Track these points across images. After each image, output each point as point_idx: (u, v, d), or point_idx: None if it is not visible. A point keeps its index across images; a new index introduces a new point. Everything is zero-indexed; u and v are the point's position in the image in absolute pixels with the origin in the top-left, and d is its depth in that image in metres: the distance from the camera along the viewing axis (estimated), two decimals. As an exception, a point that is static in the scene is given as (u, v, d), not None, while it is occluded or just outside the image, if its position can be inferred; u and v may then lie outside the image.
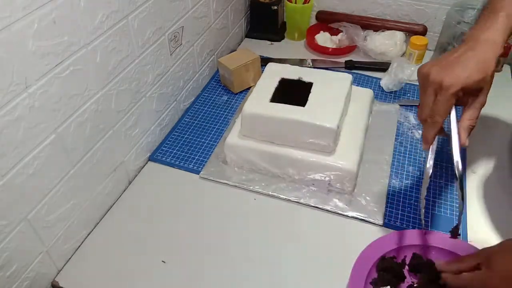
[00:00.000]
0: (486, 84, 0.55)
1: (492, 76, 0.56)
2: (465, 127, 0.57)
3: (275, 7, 1.13)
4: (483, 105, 0.57)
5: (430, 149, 0.59)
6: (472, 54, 0.55)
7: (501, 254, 0.52)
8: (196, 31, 0.91)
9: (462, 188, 0.58)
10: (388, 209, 0.72)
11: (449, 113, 0.56)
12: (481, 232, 0.68)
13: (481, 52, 0.55)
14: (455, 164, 0.57)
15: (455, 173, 0.57)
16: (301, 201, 0.73)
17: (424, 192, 0.61)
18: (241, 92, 0.99)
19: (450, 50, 0.58)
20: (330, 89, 0.77)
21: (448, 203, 0.73)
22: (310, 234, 0.69)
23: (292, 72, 0.80)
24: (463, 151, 0.82)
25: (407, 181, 0.77)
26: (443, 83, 0.54)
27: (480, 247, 0.62)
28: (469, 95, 0.56)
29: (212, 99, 0.98)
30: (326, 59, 1.09)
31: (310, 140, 0.72)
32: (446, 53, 0.58)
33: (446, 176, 0.77)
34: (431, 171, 0.59)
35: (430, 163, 0.60)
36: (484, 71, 0.54)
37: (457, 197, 0.74)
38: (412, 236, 0.64)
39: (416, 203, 0.73)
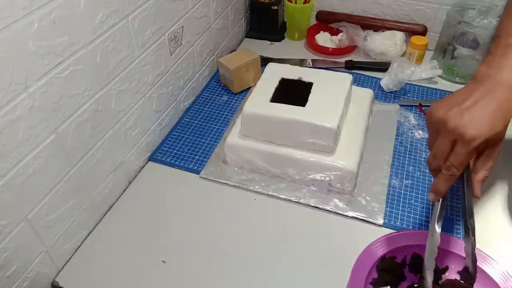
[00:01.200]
0: (503, 135, 0.50)
1: (507, 126, 0.50)
2: (479, 179, 0.52)
3: (275, 7, 1.13)
4: (499, 152, 0.51)
5: (440, 202, 0.53)
6: (494, 99, 0.48)
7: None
8: (196, 31, 0.91)
9: (474, 242, 0.53)
10: (388, 209, 0.72)
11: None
12: (481, 232, 0.68)
13: (501, 97, 0.48)
14: (467, 217, 0.52)
15: (468, 226, 0.52)
16: (301, 201, 0.73)
17: (431, 264, 0.53)
18: (241, 92, 0.99)
19: (462, 89, 0.52)
20: (330, 89, 0.77)
21: (449, 203, 0.73)
22: (310, 234, 0.69)
23: (292, 72, 0.80)
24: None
25: (407, 181, 0.77)
26: (465, 135, 0.47)
27: (480, 247, 0.62)
28: (488, 146, 0.50)
29: (212, 99, 0.98)
30: (326, 59, 1.09)
31: (310, 140, 0.72)
32: (458, 92, 0.51)
33: (446, 176, 0.77)
34: (439, 238, 0.52)
35: (438, 223, 0.53)
36: (506, 119, 0.49)
37: (457, 197, 0.74)
38: (412, 236, 0.64)
39: (416, 203, 0.73)
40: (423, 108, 0.92)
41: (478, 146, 0.48)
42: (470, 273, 0.56)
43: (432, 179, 0.76)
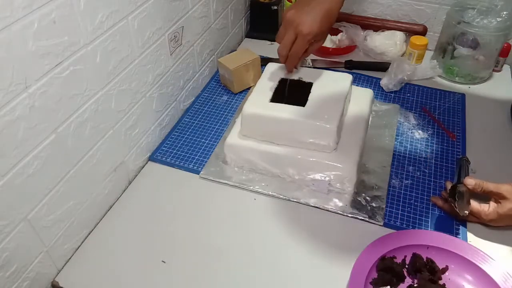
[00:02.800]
0: (329, 29, 0.71)
1: (334, 21, 0.71)
2: (309, 53, 0.74)
3: (275, 7, 1.13)
4: (323, 43, 0.74)
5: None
6: (323, 8, 0.68)
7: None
8: (196, 31, 0.91)
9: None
10: (388, 209, 0.72)
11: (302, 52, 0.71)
12: (481, 232, 0.68)
13: (328, 6, 0.68)
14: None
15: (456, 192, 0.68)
16: (301, 201, 0.73)
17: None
18: (241, 92, 0.99)
19: None
20: (330, 89, 0.77)
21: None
22: (310, 234, 0.69)
23: (292, 72, 0.80)
24: (463, 151, 0.82)
25: (407, 181, 0.77)
26: (302, 31, 0.68)
27: (480, 247, 0.62)
28: (316, 40, 0.71)
29: (212, 99, 0.98)
30: (326, 59, 1.09)
31: (310, 140, 0.72)
32: None
33: (447, 177, 0.77)
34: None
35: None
36: (330, 21, 0.69)
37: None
38: (412, 236, 0.64)
39: (416, 203, 0.73)
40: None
41: (310, 39, 0.69)
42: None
43: (432, 179, 0.76)
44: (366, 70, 1.05)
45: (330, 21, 0.69)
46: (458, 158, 0.79)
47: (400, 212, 0.72)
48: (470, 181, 0.68)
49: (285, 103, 0.75)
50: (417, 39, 1.03)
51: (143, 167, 0.82)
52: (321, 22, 0.68)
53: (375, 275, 0.61)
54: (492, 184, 0.67)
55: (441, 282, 0.61)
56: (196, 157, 0.83)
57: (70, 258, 0.67)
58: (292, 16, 0.68)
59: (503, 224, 0.67)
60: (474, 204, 0.67)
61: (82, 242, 0.69)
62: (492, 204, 0.67)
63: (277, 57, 0.74)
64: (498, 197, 0.66)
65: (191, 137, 0.87)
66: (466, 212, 0.66)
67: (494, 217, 0.66)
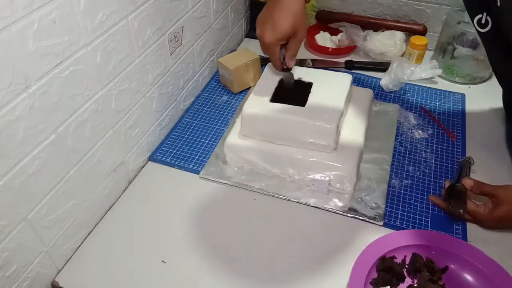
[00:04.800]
0: (299, 25, 0.70)
1: (305, 19, 0.71)
2: (290, 56, 0.76)
3: (275, 7, 1.13)
4: (302, 40, 0.74)
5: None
6: (279, 8, 0.69)
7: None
8: (196, 31, 0.91)
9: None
10: (388, 209, 0.72)
11: (280, 51, 0.74)
12: (481, 232, 0.68)
13: (286, 3, 0.68)
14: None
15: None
16: (301, 201, 0.73)
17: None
18: (241, 92, 0.99)
19: (266, 9, 0.72)
20: (330, 89, 0.77)
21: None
22: (310, 234, 0.69)
23: (295, 72, 0.80)
24: (463, 151, 0.82)
25: (407, 181, 0.77)
26: (264, 42, 0.71)
27: (480, 247, 0.62)
28: (289, 37, 0.72)
29: (212, 99, 0.98)
30: (326, 59, 1.09)
31: (310, 140, 0.72)
32: (265, 11, 0.72)
33: (447, 177, 0.77)
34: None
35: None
36: (292, 19, 0.69)
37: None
38: (412, 236, 0.64)
39: (416, 203, 0.73)
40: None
41: (276, 45, 0.72)
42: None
43: (432, 179, 0.76)
44: (366, 70, 1.05)
45: (296, 23, 0.70)
46: (462, 157, 0.80)
47: (400, 212, 0.72)
48: (468, 182, 0.69)
49: (285, 103, 0.75)
50: (417, 39, 1.03)
51: (143, 167, 0.82)
52: (283, 25, 0.69)
53: (375, 275, 0.61)
54: (489, 186, 0.68)
55: (441, 282, 0.61)
56: (196, 157, 0.83)
57: (70, 258, 0.67)
58: (258, 31, 0.72)
59: (498, 226, 0.67)
60: (471, 205, 0.68)
61: (82, 242, 0.69)
62: (489, 205, 0.67)
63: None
64: (494, 199, 0.66)
65: (191, 137, 0.87)
66: (461, 211, 0.66)
67: (489, 218, 0.66)
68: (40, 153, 0.56)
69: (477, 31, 0.72)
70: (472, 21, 0.71)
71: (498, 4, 0.62)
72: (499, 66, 0.78)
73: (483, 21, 0.69)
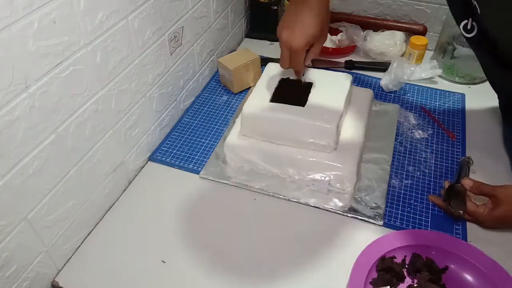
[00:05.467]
0: (326, 27, 0.71)
1: (328, 20, 0.71)
2: (310, 58, 0.74)
3: (275, 7, 1.13)
4: (325, 41, 0.74)
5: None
6: (308, 10, 0.67)
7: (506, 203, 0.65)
8: (196, 31, 0.91)
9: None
10: (388, 209, 0.72)
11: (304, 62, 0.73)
12: (481, 232, 0.68)
13: (314, 6, 0.67)
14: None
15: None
16: (301, 201, 0.73)
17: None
18: (241, 92, 0.99)
19: (289, 12, 0.70)
20: (330, 89, 0.77)
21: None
22: (310, 234, 0.69)
23: (292, 72, 0.80)
24: (463, 151, 0.82)
25: (407, 181, 0.77)
26: (292, 47, 0.69)
27: (480, 247, 0.62)
28: (314, 42, 0.71)
29: (212, 99, 0.98)
30: (326, 59, 1.09)
31: (310, 140, 0.72)
32: (288, 15, 0.70)
33: (447, 177, 0.77)
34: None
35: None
36: (320, 24, 0.68)
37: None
38: (412, 236, 0.64)
39: (416, 203, 0.73)
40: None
41: (303, 49, 0.70)
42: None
43: (432, 179, 0.76)
44: (366, 70, 1.05)
45: (323, 25, 0.69)
46: (461, 157, 0.80)
47: (400, 212, 0.72)
48: (468, 182, 0.69)
49: (285, 103, 0.75)
50: (417, 39, 1.03)
51: (143, 167, 0.82)
52: (312, 28, 0.68)
53: (375, 275, 0.61)
54: (489, 186, 0.67)
55: (441, 282, 0.61)
56: (196, 157, 0.83)
57: (70, 258, 0.67)
58: (284, 34, 0.69)
59: (497, 226, 0.67)
60: (470, 205, 0.68)
61: (82, 242, 0.69)
62: (488, 205, 0.67)
63: (277, 57, 0.74)
64: (494, 199, 0.66)
65: (191, 137, 0.87)
66: (461, 212, 0.66)
67: (489, 218, 0.66)
68: (40, 153, 0.56)
69: (464, 36, 0.72)
70: (459, 26, 0.71)
71: (479, 12, 0.62)
72: (488, 70, 0.78)
73: (468, 27, 0.69)
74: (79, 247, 0.69)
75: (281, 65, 0.74)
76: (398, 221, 0.70)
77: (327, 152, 0.73)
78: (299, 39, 0.68)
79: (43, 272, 0.63)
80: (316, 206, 0.73)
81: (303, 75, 0.78)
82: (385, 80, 0.98)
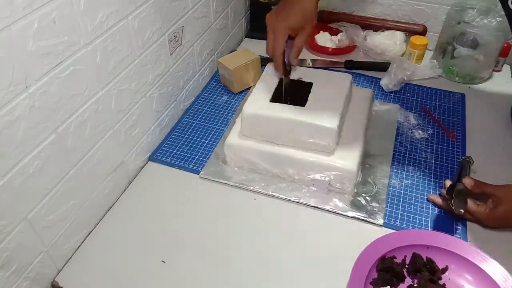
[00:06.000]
0: (308, 24, 0.73)
1: (314, 17, 0.74)
2: (295, 52, 0.76)
3: (275, 7, 1.13)
4: (308, 36, 0.75)
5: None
6: (295, 2, 0.72)
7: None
8: (196, 31, 0.91)
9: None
10: (388, 209, 0.72)
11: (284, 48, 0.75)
12: (481, 232, 0.68)
13: (301, 4, 0.72)
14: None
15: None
16: (301, 201, 0.73)
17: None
18: (241, 92, 0.99)
19: (282, 3, 0.76)
20: (330, 89, 0.77)
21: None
22: (310, 234, 0.69)
23: (292, 72, 0.80)
24: (463, 151, 0.82)
25: (407, 181, 0.77)
26: (275, 27, 0.73)
27: (480, 247, 0.62)
28: (297, 31, 0.74)
29: (212, 99, 0.98)
30: (326, 59, 1.09)
31: (310, 140, 0.72)
32: (280, 5, 0.75)
33: (447, 177, 0.77)
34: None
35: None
36: (305, 17, 0.72)
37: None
38: (412, 236, 0.64)
39: (416, 203, 0.73)
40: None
41: (285, 33, 0.73)
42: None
43: (432, 179, 0.76)
44: (366, 70, 1.05)
45: (306, 17, 0.72)
46: (462, 157, 0.80)
47: (400, 212, 0.72)
48: (469, 181, 0.69)
49: (285, 103, 0.75)
50: (417, 39, 1.03)
51: (143, 167, 0.82)
52: (295, 16, 0.72)
53: (375, 275, 0.61)
54: (490, 186, 0.68)
55: (441, 282, 0.61)
56: (196, 157, 0.83)
57: (70, 258, 0.67)
58: (270, 18, 0.74)
59: (498, 225, 0.68)
60: (471, 204, 0.68)
61: (82, 242, 0.69)
62: (489, 205, 0.67)
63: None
64: (494, 199, 0.66)
65: (191, 137, 0.87)
66: (462, 210, 0.66)
67: (490, 218, 0.67)
68: (40, 153, 0.56)
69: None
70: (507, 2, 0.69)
71: (510, 6, 0.62)
72: None
73: None
74: (79, 247, 0.69)
75: (266, 52, 0.77)
76: (398, 221, 0.70)
77: (327, 152, 0.73)
78: (282, 21, 0.73)
79: (43, 272, 0.63)
80: (316, 206, 0.73)
81: (289, 72, 0.78)
82: (385, 80, 0.98)
